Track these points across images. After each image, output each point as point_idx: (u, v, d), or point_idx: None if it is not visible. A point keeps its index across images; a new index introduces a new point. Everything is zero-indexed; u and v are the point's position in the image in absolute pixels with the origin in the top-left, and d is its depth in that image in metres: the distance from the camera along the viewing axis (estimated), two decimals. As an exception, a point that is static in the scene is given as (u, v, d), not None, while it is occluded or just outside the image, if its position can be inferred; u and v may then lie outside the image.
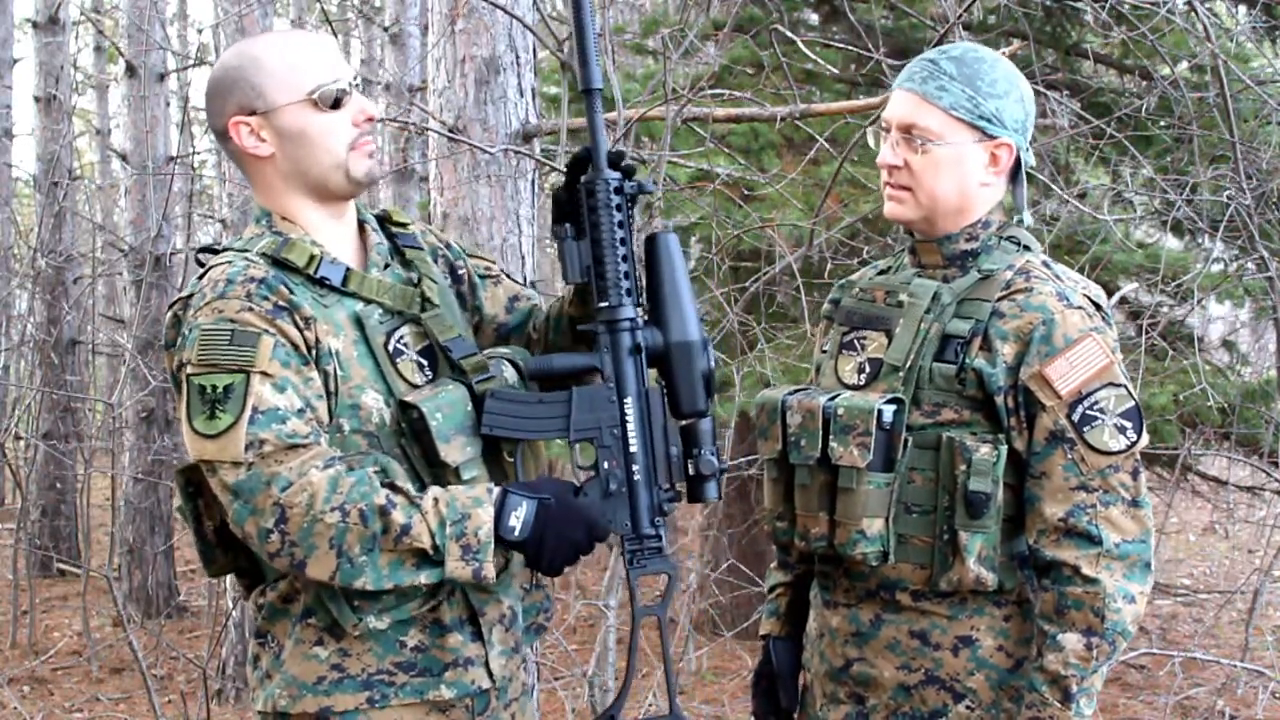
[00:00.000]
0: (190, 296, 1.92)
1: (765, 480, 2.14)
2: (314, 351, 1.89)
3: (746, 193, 5.67)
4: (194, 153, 9.00)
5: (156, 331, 7.74)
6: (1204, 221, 5.69)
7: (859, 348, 2.10)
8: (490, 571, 1.85)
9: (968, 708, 2.00)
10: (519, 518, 1.85)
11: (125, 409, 7.75)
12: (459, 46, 3.92)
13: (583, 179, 1.99)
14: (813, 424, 2.01)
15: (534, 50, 4.17)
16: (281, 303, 1.88)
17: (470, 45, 3.92)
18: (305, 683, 1.94)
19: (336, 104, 1.95)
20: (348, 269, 1.97)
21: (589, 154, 1.98)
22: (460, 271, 2.19)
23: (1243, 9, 6.71)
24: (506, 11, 3.85)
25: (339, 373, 1.91)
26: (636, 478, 1.95)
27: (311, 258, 1.94)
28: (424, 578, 1.85)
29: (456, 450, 1.92)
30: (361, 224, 2.09)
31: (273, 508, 1.81)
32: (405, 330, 1.99)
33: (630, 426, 1.95)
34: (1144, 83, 6.46)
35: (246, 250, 1.95)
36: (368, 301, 1.97)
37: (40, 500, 8.86)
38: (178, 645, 6.84)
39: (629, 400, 1.95)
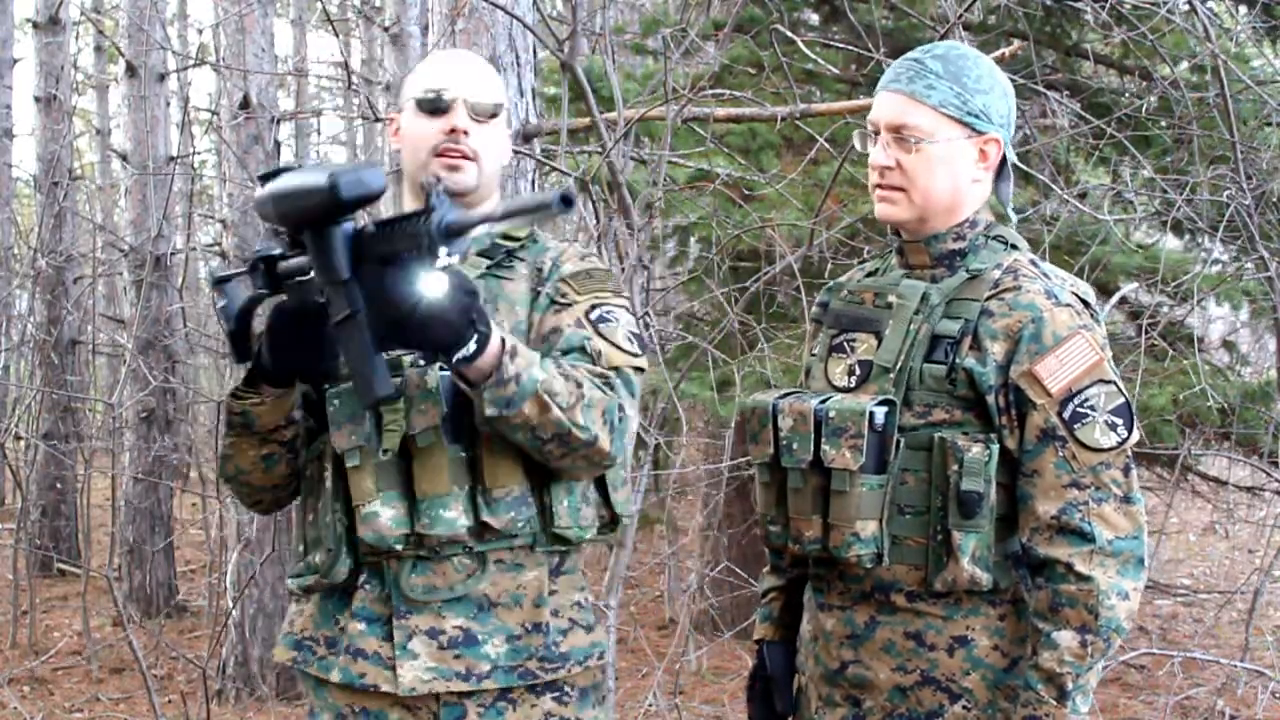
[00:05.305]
0: None
1: (757, 484, 2.13)
2: None
3: (746, 193, 5.67)
4: (194, 153, 9.00)
5: (157, 331, 7.74)
6: (1204, 222, 5.70)
7: (849, 350, 2.10)
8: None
9: (964, 708, 2.00)
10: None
11: (125, 409, 7.75)
12: (459, 46, 3.92)
13: None
14: (804, 427, 2.00)
15: (534, 50, 4.17)
16: None
17: (470, 45, 3.92)
18: None
19: (435, 111, 2.09)
20: None
21: None
22: (540, 299, 2.14)
23: (1243, 9, 6.71)
24: (506, 11, 3.85)
25: None
26: None
27: None
28: None
29: (343, 438, 2.01)
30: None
31: None
32: None
33: None
34: (1144, 83, 6.46)
35: None
36: None
37: (40, 500, 8.85)
38: (178, 645, 6.84)
39: None
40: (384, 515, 2.00)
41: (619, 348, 2.06)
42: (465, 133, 2.09)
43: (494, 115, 2.14)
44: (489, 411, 1.89)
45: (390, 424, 2.01)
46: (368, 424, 2.01)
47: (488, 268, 2.12)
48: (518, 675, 2.05)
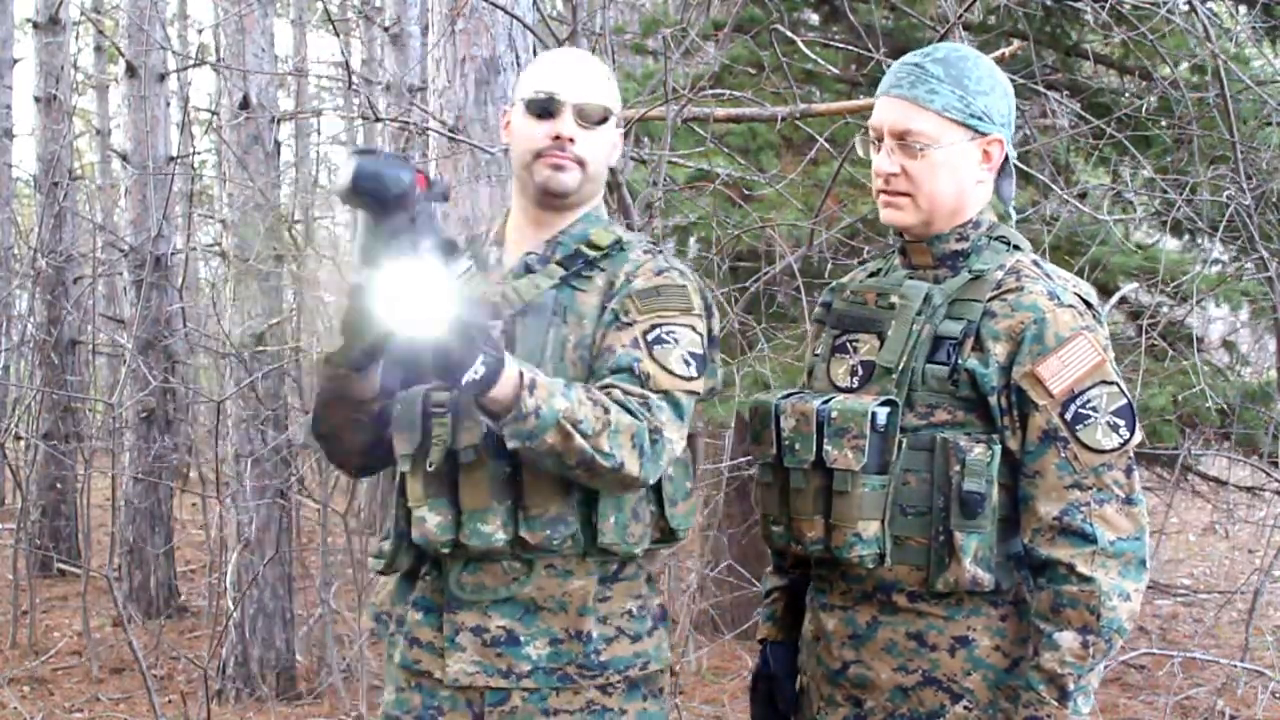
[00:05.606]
0: None
1: (759, 484, 2.13)
2: None
3: (746, 193, 5.67)
4: (194, 153, 9.01)
5: (156, 332, 7.74)
6: (1204, 222, 5.70)
7: (851, 350, 2.10)
8: None
9: (965, 708, 2.00)
10: None
11: (125, 409, 7.75)
12: (459, 46, 3.92)
13: None
14: (807, 427, 2.01)
15: (534, 50, 4.17)
16: None
17: (470, 45, 3.92)
18: None
19: (542, 114, 2.09)
20: (471, 267, 2.16)
21: None
22: (606, 314, 2.12)
23: (1243, 9, 6.71)
24: (506, 11, 3.85)
25: None
26: None
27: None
28: None
29: (401, 443, 2.08)
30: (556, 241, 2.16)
31: None
32: None
33: None
34: (1144, 83, 6.46)
35: None
36: None
37: (40, 500, 8.85)
38: (178, 645, 6.84)
39: None
40: (430, 521, 2.06)
41: (669, 371, 2.03)
42: (571, 140, 2.09)
43: (603, 120, 2.13)
44: (511, 444, 1.91)
45: (437, 438, 2.04)
46: (419, 434, 2.05)
47: (562, 278, 2.11)
48: (557, 678, 2.08)
